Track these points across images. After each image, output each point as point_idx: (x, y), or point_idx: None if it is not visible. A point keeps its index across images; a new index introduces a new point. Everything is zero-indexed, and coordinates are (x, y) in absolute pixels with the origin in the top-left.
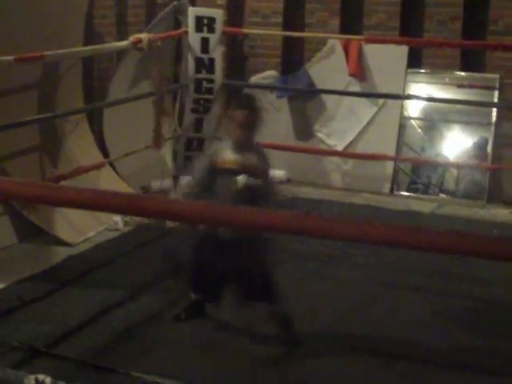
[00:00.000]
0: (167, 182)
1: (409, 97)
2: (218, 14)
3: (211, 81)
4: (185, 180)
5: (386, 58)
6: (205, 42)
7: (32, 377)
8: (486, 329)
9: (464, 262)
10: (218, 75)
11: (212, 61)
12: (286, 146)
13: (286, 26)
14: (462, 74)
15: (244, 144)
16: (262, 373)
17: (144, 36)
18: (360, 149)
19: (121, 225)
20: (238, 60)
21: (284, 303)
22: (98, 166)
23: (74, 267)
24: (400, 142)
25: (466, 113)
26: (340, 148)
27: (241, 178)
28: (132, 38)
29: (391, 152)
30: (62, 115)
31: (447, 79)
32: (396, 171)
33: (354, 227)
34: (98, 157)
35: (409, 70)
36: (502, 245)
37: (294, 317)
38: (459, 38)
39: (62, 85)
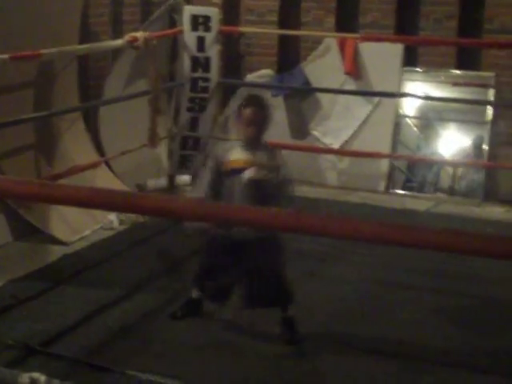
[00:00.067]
0: (162, 181)
1: (404, 95)
2: (214, 13)
3: (207, 79)
4: (196, 187)
5: (381, 56)
6: (200, 41)
7: (26, 375)
8: (481, 327)
9: (459, 261)
10: (214, 74)
11: (208, 59)
12: (282, 144)
13: (282, 24)
14: (458, 72)
15: (254, 142)
16: (259, 371)
17: (140, 34)
18: (355, 147)
19: (116, 223)
20: (234, 58)
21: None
22: (94, 165)
23: (69, 266)
24: (395, 141)
25: (462, 111)
26: (336, 146)
27: (249, 172)
28: (128, 37)
29: (387, 150)
30: (57, 113)
31: (443, 77)
32: (391, 169)
33: (348, 225)
34: (93, 155)
35: (404, 69)
36: (497, 243)
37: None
38: (455, 36)
39: (57, 83)
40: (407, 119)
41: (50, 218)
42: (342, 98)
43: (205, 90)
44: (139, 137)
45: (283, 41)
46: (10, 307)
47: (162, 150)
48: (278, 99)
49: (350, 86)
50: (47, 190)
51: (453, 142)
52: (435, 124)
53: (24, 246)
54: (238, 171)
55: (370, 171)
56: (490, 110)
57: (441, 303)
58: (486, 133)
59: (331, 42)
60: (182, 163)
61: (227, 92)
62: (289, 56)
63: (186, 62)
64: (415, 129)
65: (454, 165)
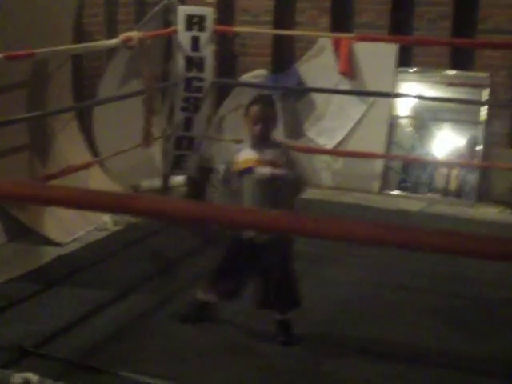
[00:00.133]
0: (157, 181)
1: (398, 95)
2: (209, 13)
3: (201, 79)
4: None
5: (375, 56)
6: (195, 41)
7: (19, 375)
8: (475, 328)
9: (453, 262)
10: (208, 74)
11: (202, 59)
12: None
13: (277, 24)
14: (452, 72)
15: (262, 140)
16: (256, 373)
17: (134, 34)
18: (350, 147)
19: (110, 224)
20: (228, 58)
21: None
22: (88, 165)
23: (63, 267)
24: (390, 141)
25: (456, 111)
26: (330, 147)
27: (259, 170)
28: (122, 37)
29: (381, 150)
30: (51, 113)
31: (437, 78)
32: (385, 170)
33: (341, 226)
34: (87, 156)
35: (399, 69)
36: (491, 244)
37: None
38: (449, 36)
39: (51, 83)
40: (402, 119)
41: (43, 218)
42: (336, 98)
43: (199, 89)
44: (133, 137)
45: (278, 41)
46: (4, 308)
47: (156, 150)
48: None
49: (345, 86)
50: (40, 191)
51: (447, 143)
52: (429, 124)
53: (18, 247)
54: (248, 171)
55: (365, 172)
56: (484, 111)
57: (435, 304)
58: (480, 133)
59: (326, 42)
60: (177, 163)
61: (221, 92)
62: (283, 56)
63: (180, 62)
64: (410, 129)
65: (448, 165)
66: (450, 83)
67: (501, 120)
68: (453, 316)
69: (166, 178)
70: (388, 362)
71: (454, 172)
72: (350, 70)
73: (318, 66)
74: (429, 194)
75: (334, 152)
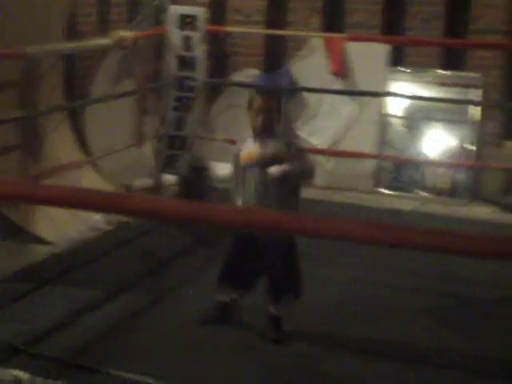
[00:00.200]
0: (149, 181)
1: (390, 94)
2: (201, 12)
3: (193, 79)
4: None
5: (367, 56)
6: (187, 40)
7: (10, 373)
8: (469, 327)
9: (447, 261)
10: (200, 73)
11: (194, 59)
12: None
13: (269, 24)
14: (445, 72)
15: (265, 132)
16: (245, 371)
17: (128, 34)
18: (342, 147)
19: (102, 224)
20: (220, 58)
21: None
22: (79, 165)
23: (54, 266)
24: (382, 140)
25: (449, 111)
26: (322, 147)
27: (272, 170)
28: (116, 36)
29: (373, 150)
30: (43, 113)
31: (430, 78)
32: (378, 169)
33: (334, 225)
34: (79, 155)
35: (391, 69)
36: (484, 243)
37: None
38: (441, 36)
39: (43, 83)
40: (394, 119)
41: (34, 217)
42: (328, 97)
43: (191, 89)
44: (126, 137)
45: (270, 41)
46: None
47: (148, 149)
48: None
49: (337, 85)
50: (31, 190)
51: (439, 142)
52: (422, 124)
53: (9, 245)
54: (251, 165)
55: (357, 171)
56: (476, 111)
57: (429, 304)
58: (472, 133)
59: (317, 41)
60: (169, 163)
61: (213, 92)
62: (275, 56)
63: (172, 62)
64: (402, 129)
65: (441, 165)
66: (443, 83)
67: (493, 120)
68: (446, 315)
69: (158, 178)
70: (382, 361)
71: (447, 171)
72: (341, 69)
73: (310, 66)
74: (421, 194)
75: (327, 151)
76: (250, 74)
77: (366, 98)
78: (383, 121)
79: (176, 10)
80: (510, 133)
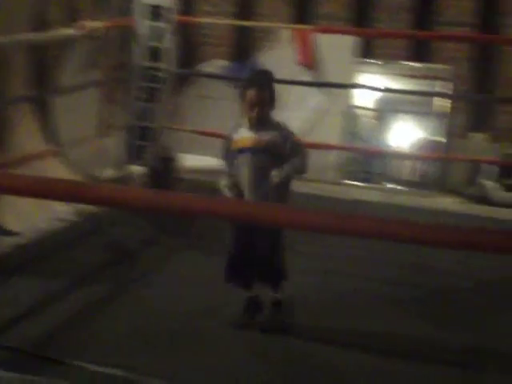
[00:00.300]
0: (116, 171)
1: (357, 86)
2: (170, 3)
3: (161, 70)
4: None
5: (336, 48)
6: (155, 31)
7: None
8: (442, 320)
9: (416, 252)
10: (169, 64)
11: (162, 50)
12: None
13: (238, 15)
14: (414, 64)
15: (259, 122)
16: (218, 362)
17: (97, 24)
18: (309, 138)
19: (68, 214)
20: (188, 48)
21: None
22: (46, 155)
23: (19, 256)
24: (351, 132)
25: (419, 103)
26: None
27: (275, 173)
28: (84, 26)
29: (341, 141)
30: (8, 102)
31: (399, 70)
32: (346, 160)
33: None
34: (45, 146)
35: (361, 61)
36: (451, 233)
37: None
38: (410, 28)
39: (8, 73)
40: (363, 111)
41: (0, 208)
42: (296, 89)
43: (159, 80)
44: (93, 127)
45: (239, 31)
46: None
47: (116, 140)
48: (231, 89)
49: (305, 77)
50: None
51: (408, 134)
52: (391, 116)
53: None
54: (243, 150)
55: (325, 162)
56: (445, 103)
57: (400, 294)
58: (441, 125)
59: (286, 33)
60: (137, 153)
61: (182, 82)
62: (244, 46)
63: (140, 53)
64: (371, 120)
65: (409, 157)
66: (412, 75)
67: (462, 112)
68: (417, 306)
69: (125, 168)
70: (361, 352)
71: (415, 163)
72: (310, 61)
73: (278, 57)
74: (389, 185)
75: None
76: (218, 64)
77: (335, 90)
78: (351, 112)
79: (146, 0)
80: (477, 125)
